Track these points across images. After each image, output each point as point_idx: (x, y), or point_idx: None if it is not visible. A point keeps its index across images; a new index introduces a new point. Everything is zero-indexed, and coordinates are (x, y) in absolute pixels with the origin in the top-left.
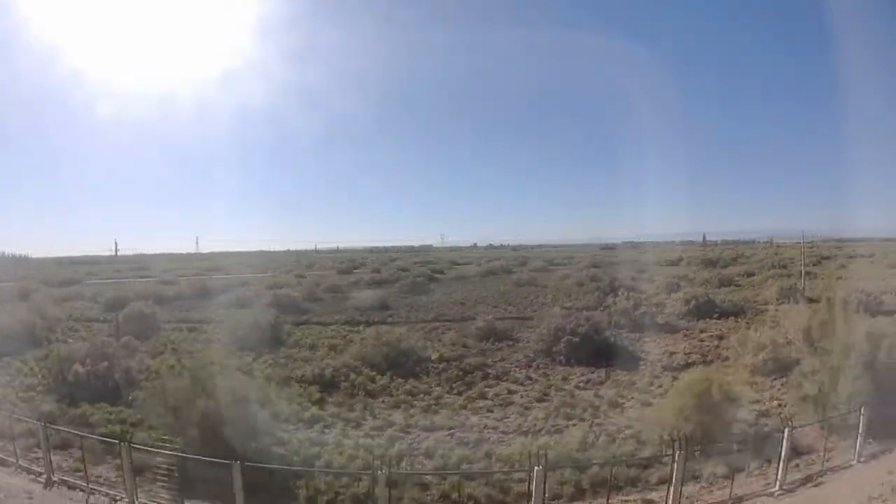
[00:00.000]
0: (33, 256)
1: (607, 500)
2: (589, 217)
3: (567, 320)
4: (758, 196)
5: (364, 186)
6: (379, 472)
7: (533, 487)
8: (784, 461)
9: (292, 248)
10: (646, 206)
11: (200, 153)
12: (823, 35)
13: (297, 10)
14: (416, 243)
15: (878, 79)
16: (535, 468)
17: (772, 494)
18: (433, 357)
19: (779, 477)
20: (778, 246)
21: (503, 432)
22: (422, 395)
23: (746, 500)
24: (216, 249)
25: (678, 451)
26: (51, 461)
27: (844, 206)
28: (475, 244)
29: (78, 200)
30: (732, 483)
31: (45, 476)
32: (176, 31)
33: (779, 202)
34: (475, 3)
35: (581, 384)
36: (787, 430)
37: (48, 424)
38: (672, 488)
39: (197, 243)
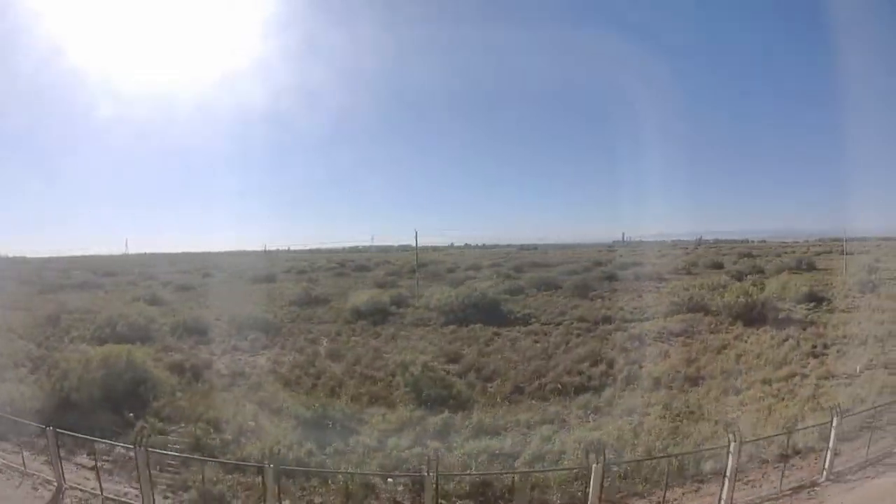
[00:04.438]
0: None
1: None
2: (573, 217)
3: None
4: (746, 196)
5: (321, 187)
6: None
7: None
8: None
9: (246, 248)
10: (631, 206)
11: (200, 154)
12: (825, 36)
13: (298, 10)
14: (344, 244)
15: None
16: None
17: None
18: None
19: None
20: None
21: None
22: None
23: None
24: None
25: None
26: None
27: (843, 207)
28: (452, 244)
29: (76, 201)
30: None
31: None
32: (177, 31)
33: (772, 202)
34: (475, 2)
35: None
36: None
37: None
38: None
39: (126, 246)
